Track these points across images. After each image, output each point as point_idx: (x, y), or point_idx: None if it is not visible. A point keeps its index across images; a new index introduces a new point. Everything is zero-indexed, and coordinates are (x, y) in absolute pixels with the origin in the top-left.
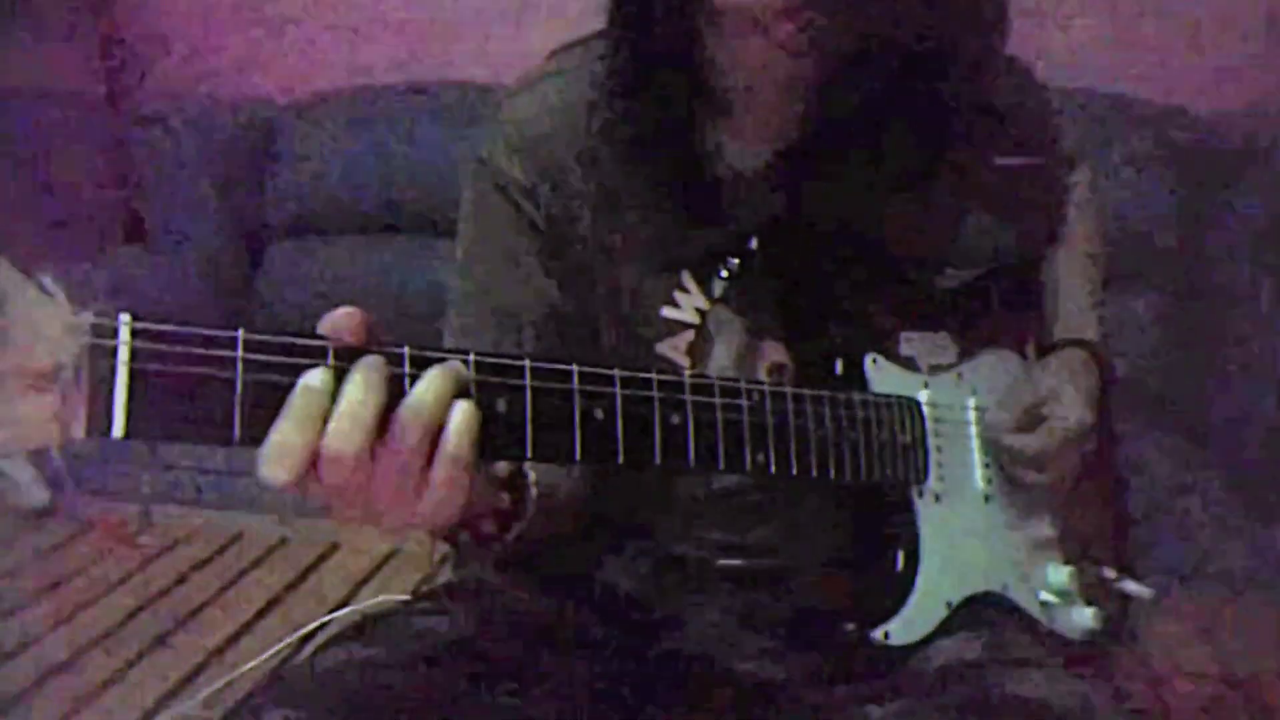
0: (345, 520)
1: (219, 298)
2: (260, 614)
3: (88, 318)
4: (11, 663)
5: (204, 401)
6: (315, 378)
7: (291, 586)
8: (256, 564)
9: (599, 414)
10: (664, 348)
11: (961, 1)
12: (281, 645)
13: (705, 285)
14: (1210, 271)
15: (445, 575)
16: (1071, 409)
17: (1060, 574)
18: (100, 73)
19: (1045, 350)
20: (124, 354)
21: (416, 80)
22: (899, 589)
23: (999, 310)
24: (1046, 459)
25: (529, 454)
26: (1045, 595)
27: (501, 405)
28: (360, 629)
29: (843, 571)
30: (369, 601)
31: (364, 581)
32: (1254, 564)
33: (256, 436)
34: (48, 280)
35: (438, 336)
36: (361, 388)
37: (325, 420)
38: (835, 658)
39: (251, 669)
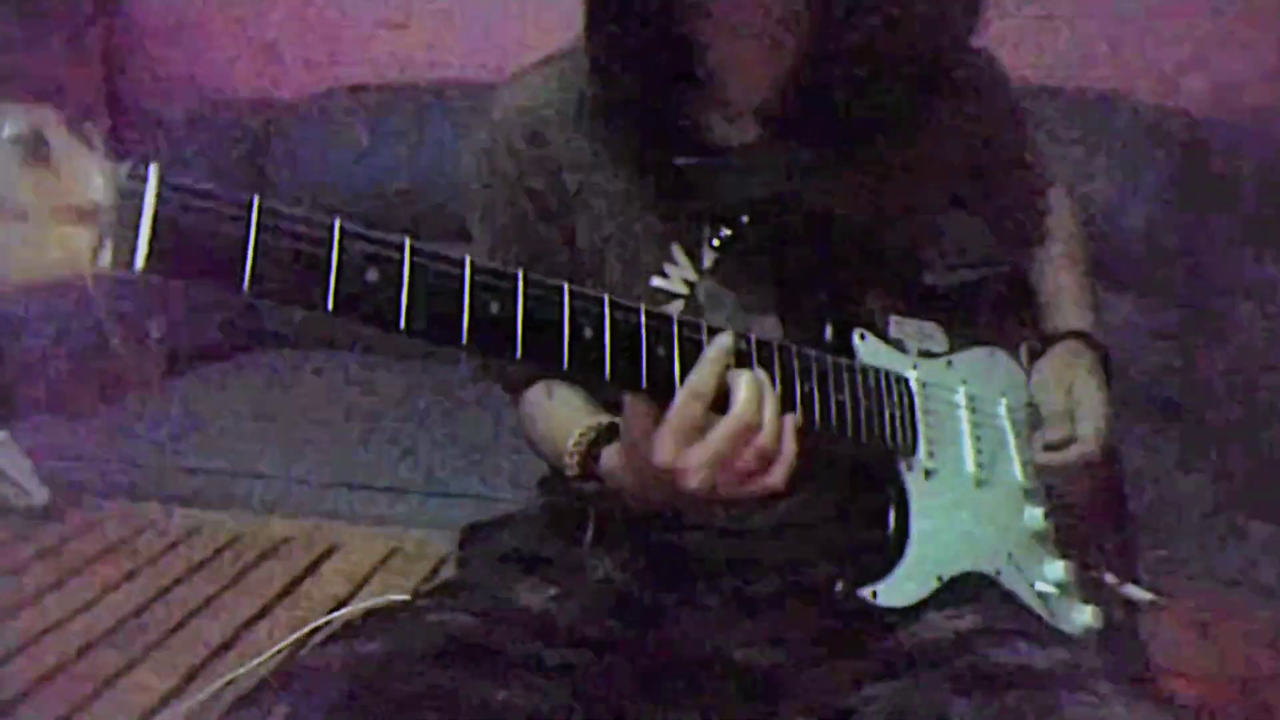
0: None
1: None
2: (260, 614)
3: (123, 166)
4: (11, 663)
5: (218, 250)
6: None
7: (291, 586)
8: (256, 564)
9: (588, 332)
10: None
11: None
12: (281, 645)
13: (694, 258)
14: (1208, 272)
15: (445, 575)
16: (1095, 418)
17: (1056, 567)
18: (100, 73)
19: (1046, 341)
20: (150, 199)
21: (418, 80)
22: (889, 555)
23: (989, 313)
24: (1079, 470)
25: (519, 353)
26: (1042, 586)
27: (495, 308)
28: (363, 624)
29: (834, 539)
30: (369, 602)
31: (364, 581)
32: (1253, 564)
33: (264, 290)
34: (91, 131)
35: None
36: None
37: None
38: (828, 628)
39: (252, 669)
